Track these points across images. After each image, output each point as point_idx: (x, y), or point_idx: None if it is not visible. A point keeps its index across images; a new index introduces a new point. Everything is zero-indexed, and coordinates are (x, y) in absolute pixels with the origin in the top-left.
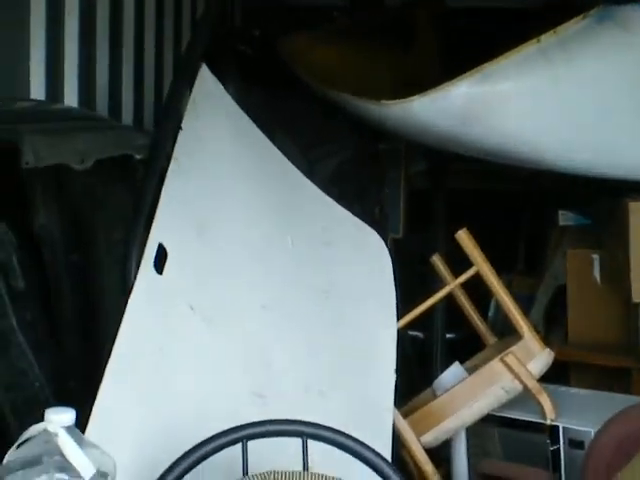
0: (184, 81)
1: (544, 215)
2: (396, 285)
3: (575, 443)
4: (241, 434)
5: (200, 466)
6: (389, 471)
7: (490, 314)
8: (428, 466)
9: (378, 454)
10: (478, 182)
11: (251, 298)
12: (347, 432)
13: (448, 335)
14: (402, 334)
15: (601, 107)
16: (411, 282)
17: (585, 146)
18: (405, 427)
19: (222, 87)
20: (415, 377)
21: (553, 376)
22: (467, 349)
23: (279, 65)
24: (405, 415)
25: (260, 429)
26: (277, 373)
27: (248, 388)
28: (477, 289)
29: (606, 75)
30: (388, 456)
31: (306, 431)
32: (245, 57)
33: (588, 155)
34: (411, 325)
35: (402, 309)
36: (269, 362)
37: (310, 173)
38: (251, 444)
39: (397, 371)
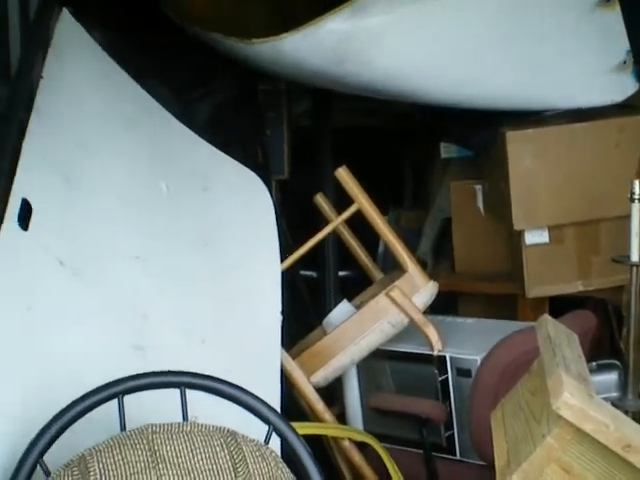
0: (43, 27)
1: (429, 149)
2: (279, 227)
3: (462, 372)
4: (116, 389)
5: (78, 425)
6: (272, 416)
7: (380, 250)
8: (319, 405)
9: (260, 400)
10: (362, 119)
11: (124, 249)
12: (232, 379)
13: (341, 273)
14: (294, 274)
15: (472, 39)
16: (301, 222)
17: (458, 78)
18: (294, 368)
19: (86, 33)
20: (310, 317)
21: (442, 306)
22: (361, 286)
23: (149, 6)
24: (296, 355)
25: (136, 382)
26: (156, 324)
27: (126, 341)
28: (369, 226)
29: (478, 5)
30: (277, 399)
31: (184, 381)
32: (112, 0)
33: (462, 87)
34: (304, 265)
35: (295, 250)
36: (147, 314)
37: (186, 117)
38: (132, 399)
39: (283, 312)
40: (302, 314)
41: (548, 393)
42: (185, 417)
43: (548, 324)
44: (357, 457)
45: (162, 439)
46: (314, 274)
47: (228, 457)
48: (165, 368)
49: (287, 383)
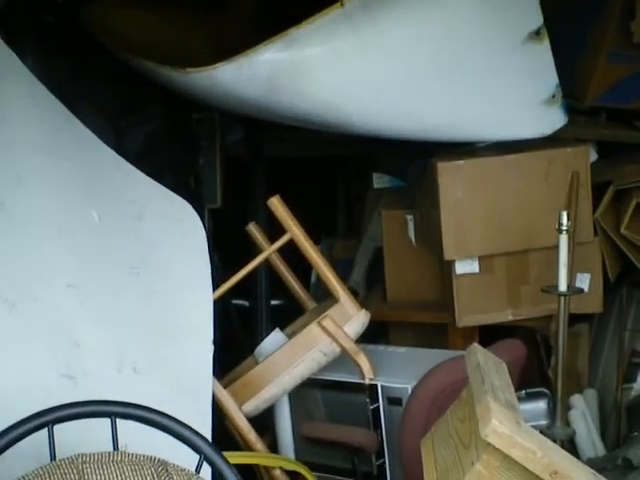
0: None
1: (361, 179)
2: (212, 256)
3: (393, 400)
4: (46, 419)
5: (8, 454)
6: (203, 445)
7: (312, 280)
8: (251, 435)
9: (191, 429)
10: (296, 149)
11: (55, 277)
12: (164, 409)
13: (274, 302)
14: (226, 303)
15: (406, 71)
16: (235, 251)
17: (392, 110)
18: (225, 397)
19: (17, 58)
20: (242, 346)
21: (374, 335)
22: (294, 316)
23: (83, 33)
24: (227, 385)
25: (66, 412)
26: (87, 353)
27: (56, 370)
28: (302, 256)
29: (411, 38)
30: (208, 429)
31: (114, 410)
32: (47, 26)
33: (395, 119)
34: (237, 294)
35: (226, 279)
36: (77, 342)
37: (119, 145)
38: (62, 428)
39: (215, 342)
40: (234, 343)
41: (477, 420)
42: (115, 446)
43: (477, 353)
44: None
45: (92, 469)
46: (246, 303)
47: None
48: (96, 397)
49: (219, 413)
